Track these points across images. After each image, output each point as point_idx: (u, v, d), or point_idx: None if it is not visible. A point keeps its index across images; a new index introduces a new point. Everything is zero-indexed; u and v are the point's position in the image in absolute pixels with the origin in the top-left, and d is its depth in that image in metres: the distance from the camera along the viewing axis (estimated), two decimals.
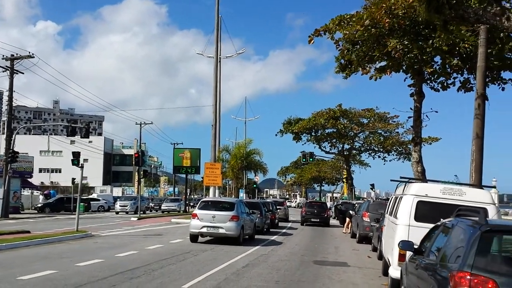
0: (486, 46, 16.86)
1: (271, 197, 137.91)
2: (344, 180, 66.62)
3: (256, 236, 22.73)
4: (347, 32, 22.31)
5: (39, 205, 48.35)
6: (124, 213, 46.77)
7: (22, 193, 56.20)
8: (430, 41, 19.55)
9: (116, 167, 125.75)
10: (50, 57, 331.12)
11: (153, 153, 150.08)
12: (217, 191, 50.53)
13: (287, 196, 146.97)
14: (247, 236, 21.19)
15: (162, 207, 55.22)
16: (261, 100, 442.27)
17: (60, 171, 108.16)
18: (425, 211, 10.27)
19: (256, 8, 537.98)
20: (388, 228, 12.56)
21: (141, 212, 44.23)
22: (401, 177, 11.93)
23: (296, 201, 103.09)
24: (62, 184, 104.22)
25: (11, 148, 35.21)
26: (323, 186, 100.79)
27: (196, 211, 19.72)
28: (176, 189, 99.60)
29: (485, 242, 5.58)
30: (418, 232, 9.52)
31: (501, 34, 20.97)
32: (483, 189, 12.38)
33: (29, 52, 36.59)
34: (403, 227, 10.32)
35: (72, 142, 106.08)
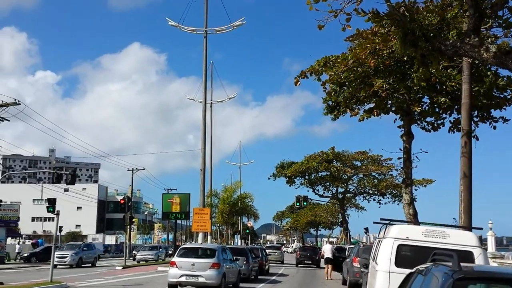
0: (470, 83, 16.42)
1: (268, 242, 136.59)
2: (340, 224, 65.50)
3: (242, 285, 21.70)
4: (333, 73, 22.07)
5: (25, 254, 46.90)
6: (68, 266, 36.24)
7: (9, 242, 54.93)
8: (415, 79, 19.18)
9: (110, 214, 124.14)
10: (48, 106, 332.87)
11: (149, 200, 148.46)
12: (209, 237, 49.36)
13: (284, 242, 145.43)
14: (231, 285, 20.15)
15: (137, 257, 48.01)
16: (259, 145, 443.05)
17: (53, 220, 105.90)
18: (407, 255, 9.48)
19: (253, 54, 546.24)
20: (371, 275, 11.71)
21: (89, 264, 38.15)
22: (381, 219, 11.17)
23: (292, 247, 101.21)
24: (61, 233, 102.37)
25: None
26: (320, 230, 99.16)
27: (175, 258, 18.74)
28: (170, 236, 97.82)
29: None
30: (399, 279, 8.70)
31: (489, 72, 20.72)
32: (471, 231, 11.65)
33: (15, 99, 36.14)
34: (383, 274, 9.50)
35: (66, 190, 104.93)
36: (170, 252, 52.76)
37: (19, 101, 37.02)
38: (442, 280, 5.03)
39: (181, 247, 21.17)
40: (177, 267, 18.19)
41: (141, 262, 43.55)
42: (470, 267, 5.35)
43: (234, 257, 21.21)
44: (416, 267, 6.70)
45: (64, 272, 28.38)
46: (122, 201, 37.18)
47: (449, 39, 11.05)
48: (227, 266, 19.39)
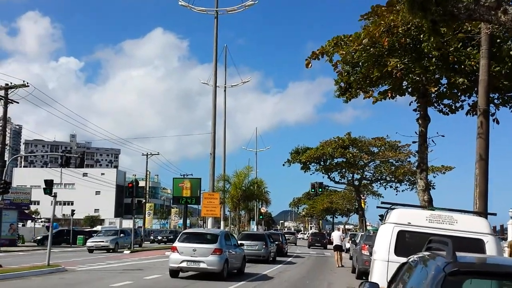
0: (488, 58, 15.17)
1: (286, 228, 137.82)
2: (356, 211, 64.35)
3: (256, 267, 22.38)
4: (344, 53, 20.96)
5: (39, 237, 47.01)
6: None
7: (23, 225, 55.49)
8: (425, 49, 17.95)
9: (129, 199, 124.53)
10: (71, 92, 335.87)
11: (167, 185, 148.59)
12: (222, 223, 48.61)
13: (302, 229, 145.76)
14: (235, 270, 19.33)
15: (87, 243, 36.57)
16: (280, 132, 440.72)
17: (72, 204, 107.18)
18: (408, 243, 8.44)
19: (275, 40, 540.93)
20: (371, 263, 10.70)
21: None
22: (382, 203, 10.13)
23: (307, 233, 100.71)
24: (73, 217, 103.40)
25: (3, 179, 33.92)
26: (336, 217, 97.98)
27: (176, 244, 17.96)
28: (188, 221, 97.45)
29: (450, 287, 3.82)
30: None
31: (511, 52, 19.38)
32: (486, 217, 10.56)
33: (23, 81, 35.79)
34: (380, 263, 8.50)
35: (85, 174, 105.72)
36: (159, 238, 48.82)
37: (27, 83, 36.68)
38: (433, 274, 4.04)
39: (183, 232, 20.48)
40: (178, 252, 17.43)
41: (94, 252, 34.50)
42: (468, 258, 4.32)
43: (252, 242, 22.79)
44: (410, 257, 5.70)
45: (71, 256, 27.90)
46: (129, 185, 36.64)
47: (462, 1, 9.91)
48: (232, 252, 18.63)
